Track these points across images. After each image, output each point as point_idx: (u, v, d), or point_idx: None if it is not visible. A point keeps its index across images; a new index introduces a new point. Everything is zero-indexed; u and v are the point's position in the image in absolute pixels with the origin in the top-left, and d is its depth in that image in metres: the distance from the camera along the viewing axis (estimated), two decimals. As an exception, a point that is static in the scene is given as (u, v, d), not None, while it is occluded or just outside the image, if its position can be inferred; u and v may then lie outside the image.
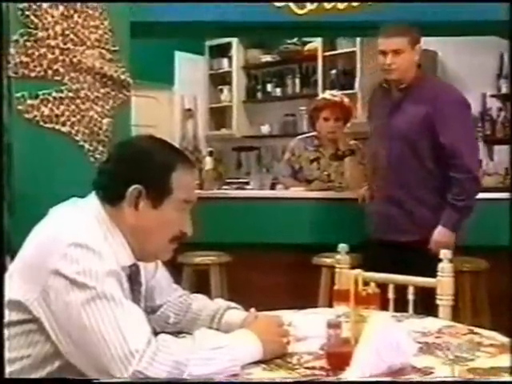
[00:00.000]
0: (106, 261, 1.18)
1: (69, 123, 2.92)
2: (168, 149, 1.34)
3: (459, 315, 2.39)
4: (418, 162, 2.59)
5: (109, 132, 3.01)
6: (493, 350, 1.30)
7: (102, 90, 3.00)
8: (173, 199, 1.28)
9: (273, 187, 4.38)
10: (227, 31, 4.33)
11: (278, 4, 3.41)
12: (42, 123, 2.87)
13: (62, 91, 2.90)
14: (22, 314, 1.18)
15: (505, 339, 1.36)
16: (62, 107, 2.90)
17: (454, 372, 1.15)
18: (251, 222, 3.30)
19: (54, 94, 2.89)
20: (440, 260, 1.75)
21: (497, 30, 3.43)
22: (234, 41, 5.89)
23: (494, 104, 4.89)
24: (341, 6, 3.40)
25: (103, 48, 3.00)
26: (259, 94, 6.00)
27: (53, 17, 2.87)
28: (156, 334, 1.18)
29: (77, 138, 2.94)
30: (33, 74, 2.84)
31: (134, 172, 1.27)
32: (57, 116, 2.89)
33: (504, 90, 4.79)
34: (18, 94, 2.82)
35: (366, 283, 1.35)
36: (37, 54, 2.85)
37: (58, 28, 2.88)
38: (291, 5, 3.42)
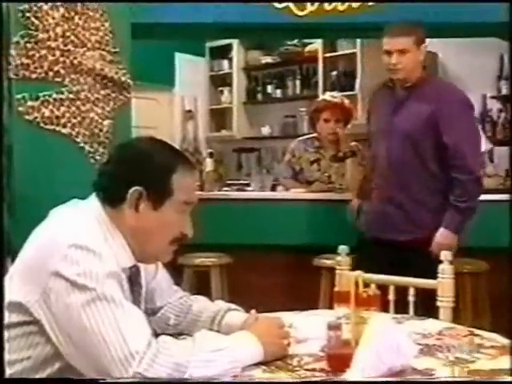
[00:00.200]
0: (106, 262, 1.18)
1: (69, 125, 2.92)
2: (168, 150, 1.34)
3: (460, 317, 2.39)
4: (420, 163, 2.57)
5: (109, 133, 3.01)
6: (493, 351, 1.30)
7: (103, 92, 3.00)
8: (173, 201, 1.28)
9: (273, 189, 4.38)
10: (227, 33, 4.33)
11: (278, 5, 3.42)
12: (42, 125, 2.87)
13: (62, 93, 2.91)
14: (22, 315, 1.18)
15: (505, 341, 1.36)
16: (62, 109, 2.90)
17: (455, 374, 1.15)
18: (252, 224, 3.31)
19: (55, 96, 2.89)
20: (439, 261, 1.74)
21: (497, 32, 3.43)
22: (235, 42, 5.89)
23: (494, 105, 4.89)
24: (341, 7, 3.41)
25: (104, 49, 3.00)
26: (259, 96, 6.00)
27: (53, 18, 2.88)
28: (156, 335, 1.19)
29: (77, 140, 2.95)
30: (33, 76, 2.84)
31: (134, 174, 1.27)
32: (57, 117, 2.90)
33: (504, 91, 4.79)
34: (19, 96, 2.82)
35: (366, 285, 1.35)
36: (37, 55, 2.85)
37: (58, 30, 2.89)
38: (291, 6, 3.42)
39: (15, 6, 2.80)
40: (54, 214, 1.29)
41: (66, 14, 2.91)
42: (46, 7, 2.86)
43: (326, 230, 3.16)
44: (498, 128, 4.83)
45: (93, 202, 1.29)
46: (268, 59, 5.92)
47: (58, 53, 2.89)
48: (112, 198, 1.28)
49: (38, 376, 1.19)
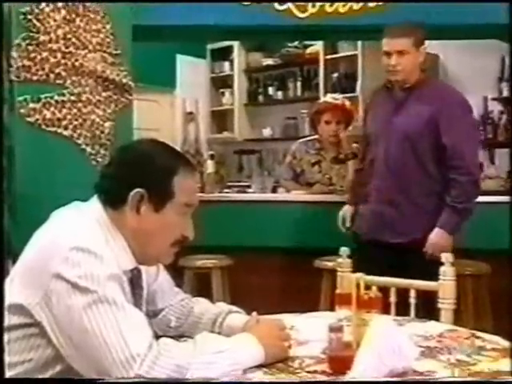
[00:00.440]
0: (107, 265, 1.18)
1: (71, 127, 2.93)
2: (170, 152, 1.34)
3: (461, 319, 2.38)
4: (419, 165, 2.56)
5: (111, 135, 3.02)
6: (495, 354, 1.30)
7: (104, 94, 3.01)
8: (174, 203, 1.28)
9: (274, 190, 4.39)
10: (229, 34, 4.34)
11: (279, 7, 3.42)
12: (43, 127, 2.87)
13: (63, 95, 2.91)
14: (23, 317, 1.18)
15: (507, 343, 1.36)
16: (63, 111, 2.91)
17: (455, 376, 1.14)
18: (253, 225, 3.31)
19: (56, 98, 2.89)
20: (438, 262, 1.74)
21: (498, 33, 3.43)
22: (236, 44, 5.90)
23: (495, 107, 4.89)
24: (342, 9, 3.41)
25: (105, 51, 3.01)
26: (261, 97, 6.01)
27: (55, 20, 2.88)
28: (157, 337, 1.18)
29: (79, 142, 2.95)
30: (35, 78, 2.85)
31: (135, 176, 1.27)
32: (59, 119, 2.90)
33: (505, 93, 4.79)
34: (20, 98, 2.82)
35: (367, 287, 1.35)
36: (39, 57, 2.85)
37: (59, 32, 2.89)
38: (292, 8, 3.43)
39: (17, 8, 2.80)
40: (55, 216, 1.29)
41: (68, 17, 2.91)
42: (47, 9, 2.87)
43: (326, 232, 3.16)
44: (500, 130, 4.83)
45: (94, 204, 1.30)
46: (269, 61, 5.92)
47: (59, 55, 2.89)
48: (113, 200, 1.28)
49: (39, 378, 1.19)
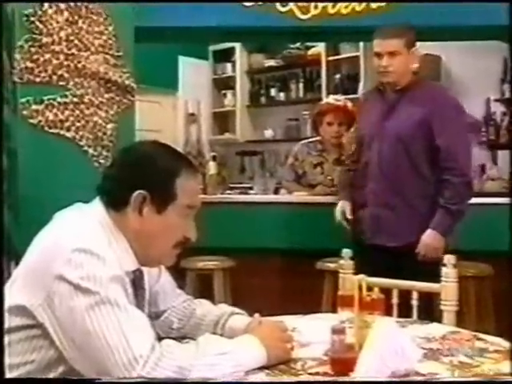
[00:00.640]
0: (110, 266, 1.18)
1: (73, 128, 2.93)
2: (172, 154, 1.34)
3: (464, 321, 2.38)
4: (412, 167, 2.55)
5: (113, 137, 3.02)
6: (497, 355, 1.30)
7: (107, 96, 3.01)
8: (177, 205, 1.28)
9: (276, 192, 4.38)
10: (231, 36, 4.34)
11: (281, 9, 3.42)
12: (46, 128, 2.88)
13: (66, 96, 2.92)
14: (26, 319, 1.18)
15: (509, 345, 1.36)
16: (66, 112, 2.91)
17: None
18: (255, 227, 3.31)
19: (59, 100, 2.90)
20: (440, 265, 1.74)
21: (500, 35, 3.42)
22: (238, 45, 5.90)
23: (498, 108, 4.88)
24: (344, 10, 3.41)
25: (107, 53, 3.01)
26: (263, 99, 6.01)
27: (57, 22, 2.89)
28: (160, 339, 1.19)
29: (81, 143, 2.95)
30: (37, 80, 2.85)
31: (138, 177, 1.27)
32: (61, 121, 2.90)
33: (508, 94, 4.78)
34: (23, 100, 2.83)
35: (369, 289, 1.35)
36: (42, 59, 2.86)
37: (62, 34, 2.89)
38: (295, 9, 3.43)
39: (20, 10, 2.81)
40: (57, 218, 1.29)
41: (70, 18, 2.92)
42: (50, 11, 2.87)
43: (328, 234, 3.16)
44: (502, 131, 4.82)
45: (96, 205, 1.30)
46: (271, 62, 5.93)
47: (61, 57, 2.90)
48: (116, 201, 1.28)
49: (41, 379, 1.19)
